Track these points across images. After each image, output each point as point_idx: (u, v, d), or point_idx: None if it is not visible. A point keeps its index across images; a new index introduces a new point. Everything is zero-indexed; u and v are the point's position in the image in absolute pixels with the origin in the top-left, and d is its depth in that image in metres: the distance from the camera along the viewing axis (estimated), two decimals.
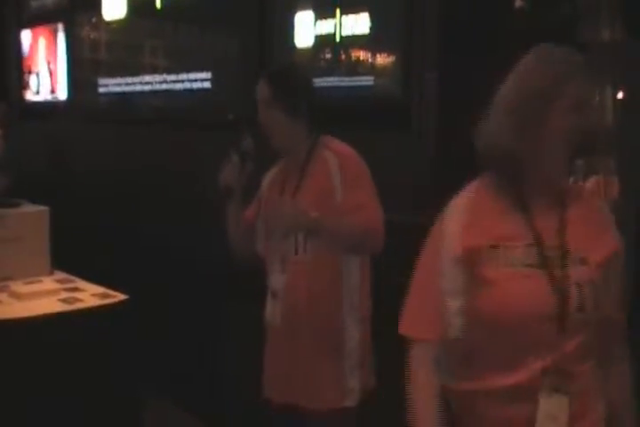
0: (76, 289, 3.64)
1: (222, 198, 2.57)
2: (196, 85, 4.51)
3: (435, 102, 3.15)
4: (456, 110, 3.10)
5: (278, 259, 2.53)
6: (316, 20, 3.66)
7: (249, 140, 2.58)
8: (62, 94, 5.97)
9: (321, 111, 2.55)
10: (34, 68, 6.41)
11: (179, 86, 4.64)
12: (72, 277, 3.82)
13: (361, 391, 2.54)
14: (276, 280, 2.54)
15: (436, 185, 3.13)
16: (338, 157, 2.45)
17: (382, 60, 3.32)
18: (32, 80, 6.46)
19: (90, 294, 3.55)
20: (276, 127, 2.53)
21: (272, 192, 2.62)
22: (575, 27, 3.57)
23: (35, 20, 6.33)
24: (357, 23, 3.44)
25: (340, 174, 2.41)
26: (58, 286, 3.67)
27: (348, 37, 3.49)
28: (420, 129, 3.19)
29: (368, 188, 2.44)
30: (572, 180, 5.32)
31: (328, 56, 3.58)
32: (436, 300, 1.69)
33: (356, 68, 3.42)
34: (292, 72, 2.69)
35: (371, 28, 3.38)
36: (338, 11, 3.52)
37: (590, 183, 5.05)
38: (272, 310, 2.57)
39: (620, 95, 3.91)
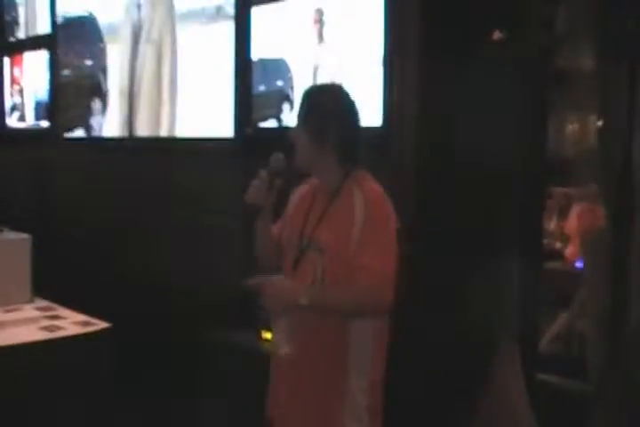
0: (56, 317, 3.62)
1: (248, 216, 2.46)
2: (181, 111, 4.51)
3: (413, 131, 3.17)
4: (434, 142, 3.15)
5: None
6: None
7: (279, 156, 2.45)
8: (45, 121, 5.97)
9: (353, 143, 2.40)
10: (17, 95, 6.41)
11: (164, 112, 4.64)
12: (53, 305, 3.80)
13: None
14: None
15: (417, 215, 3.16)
16: (365, 197, 2.30)
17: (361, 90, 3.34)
18: (15, 107, 6.46)
19: (71, 322, 3.54)
20: (300, 149, 2.39)
21: (298, 213, 2.48)
22: (553, 56, 3.63)
23: (18, 47, 6.34)
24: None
25: (363, 219, 2.27)
26: (38, 313, 3.65)
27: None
28: (397, 161, 3.21)
29: (384, 240, 2.29)
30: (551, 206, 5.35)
31: None
32: None
33: None
34: (328, 96, 2.44)
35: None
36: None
37: (574, 210, 5.12)
38: (281, 334, 2.42)
39: (599, 123, 3.96)
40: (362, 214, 2.28)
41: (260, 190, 2.44)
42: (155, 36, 4.66)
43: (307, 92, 2.49)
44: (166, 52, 4.58)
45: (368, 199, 2.31)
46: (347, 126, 2.39)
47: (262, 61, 3.85)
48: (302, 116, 2.42)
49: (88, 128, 5.24)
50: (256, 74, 3.88)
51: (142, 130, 4.80)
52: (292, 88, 3.66)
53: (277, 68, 3.75)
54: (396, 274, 2.27)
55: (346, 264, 2.29)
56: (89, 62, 5.19)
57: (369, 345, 2.37)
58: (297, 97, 3.14)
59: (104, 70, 5.06)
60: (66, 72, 5.41)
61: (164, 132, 4.61)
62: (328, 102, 2.40)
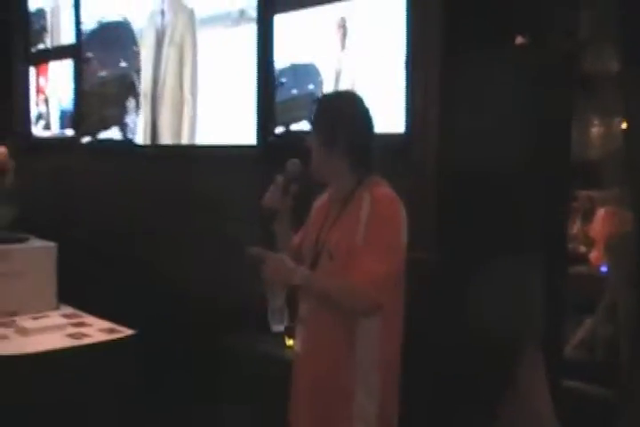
0: (82, 324, 3.65)
1: (264, 220, 2.49)
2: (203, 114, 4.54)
3: (436, 137, 3.16)
4: (457, 147, 3.14)
5: None
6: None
7: (295, 162, 2.48)
8: (70, 130, 6.03)
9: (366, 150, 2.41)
10: (42, 104, 6.48)
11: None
12: (79, 312, 3.84)
13: None
14: (303, 307, 2.46)
15: (437, 221, 3.15)
16: (372, 202, 2.30)
17: (384, 97, 3.34)
18: (40, 116, 6.53)
19: (96, 329, 3.57)
20: (313, 155, 2.42)
21: (316, 221, 2.52)
22: (577, 60, 3.61)
23: (43, 57, 6.41)
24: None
25: (366, 219, 2.29)
26: (65, 320, 3.68)
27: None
28: (420, 167, 3.21)
29: (385, 241, 2.28)
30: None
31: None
32: None
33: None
34: (339, 102, 2.47)
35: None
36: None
37: (599, 214, 5.09)
38: (298, 338, 2.50)
39: (623, 126, 3.94)
40: (366, 215, 2.29)
41: (275, 195, 2.47)
42: (177, 39, 4.74)
43: (320, 98, 2.53)
44: (188, 54, 4.65)
45: (374, 201, 2.31)
46: (357, 132, 2.39)
47: (294, 66, 3.90)
48: (314, 121, 2.45)
49: (123, 126, 5.29)
50: (288, 78, 3.93)
51: (165, 133, 4.86)
52: (322, 92, 3.70)
53: (308, 72, 3.80)
54: (392, 277, 2.28)
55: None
56: (124, 64, 5.27)
57: (377, 349, 2.36)
58: None
59: (137, 71, 5.14)
60: (103, 73, 5.49)
61: (185, 135, 4.66)
62: (339, 108, 2.41)
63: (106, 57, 5.49)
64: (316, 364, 2.40)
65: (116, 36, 5.36)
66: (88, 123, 5.67)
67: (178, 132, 4.73)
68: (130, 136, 5.21)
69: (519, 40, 3.32)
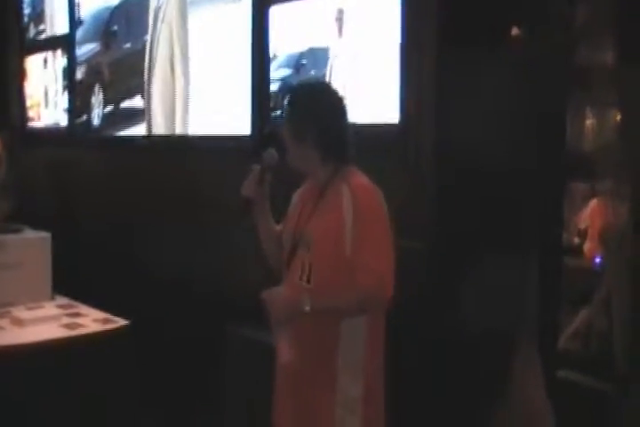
0: (77, 314, 3.66)
1: (243, 209, 2.50)
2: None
3: (431, 128, 3.16)
4: (453, 138, 3.14)
5: (287, 281, 2.46)
6: None
7: (271, 152, 2.50)
8: (63, 121, 6.01)
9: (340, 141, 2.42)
10: (35, 95, 6.46)
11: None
12: (74, 303, 3.84)
13: None
14: None
15: (431, 212, 3.15)
16: (352, 193, 2.31)
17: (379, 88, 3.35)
18: (34, 107, 6.51)
19: (91, 320, 3.58)
20: (287, 146, 2.44)
21: (295, 211, 2.53)
22: (572, 52, 3.61)
23: (36, 47, 6.39)
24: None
25: (352, 216, 2.29)
26: (59, 311, 3.69)
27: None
28: (415, 157, 3.21)
29: (377, 235, 2.29)
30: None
31: None
32: None
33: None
34: (309, 94, 2.48)
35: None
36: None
37: (590, 205, 5.11)
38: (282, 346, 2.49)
39: (617, 118, 3.95)
40: (350, 211, 2.30)
41: (251, 184, 2.49)
42: (169, 17, 4.81)
43: (290, 89, 2.52)
44: (177, 31, 4.73)
45: (355, 194, 2.31)
46: (327, 125, 2.39)
47: (312, 49, 3.92)
48: (285, 114, 2.47)
49: (144, 95, 5.29)
50: (307, 61, 3.95)
51: (157, 115, 4.90)
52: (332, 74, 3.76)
53: (325, 55, 3.82)
54: (393, 267, 2.28)
55: (332, 259, 2.32)
56: (146, 37, 5.27)
57: (360, 338, 2.37)
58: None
59: None
60: (127, 45, 5.48)
61: (178, 118, 4.69)
62: (307, 100, 2.43)
63: (130, 30, 5.49)
64: (299, 356, 2.40)
65: (138, 11, 5.38)
66: (113, 92, 5.65)
67: (170, 116, 4.76)
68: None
69: (515, 31, 3.32)
